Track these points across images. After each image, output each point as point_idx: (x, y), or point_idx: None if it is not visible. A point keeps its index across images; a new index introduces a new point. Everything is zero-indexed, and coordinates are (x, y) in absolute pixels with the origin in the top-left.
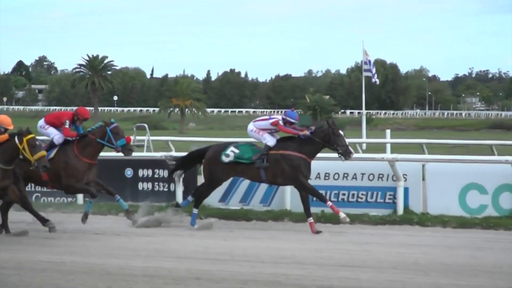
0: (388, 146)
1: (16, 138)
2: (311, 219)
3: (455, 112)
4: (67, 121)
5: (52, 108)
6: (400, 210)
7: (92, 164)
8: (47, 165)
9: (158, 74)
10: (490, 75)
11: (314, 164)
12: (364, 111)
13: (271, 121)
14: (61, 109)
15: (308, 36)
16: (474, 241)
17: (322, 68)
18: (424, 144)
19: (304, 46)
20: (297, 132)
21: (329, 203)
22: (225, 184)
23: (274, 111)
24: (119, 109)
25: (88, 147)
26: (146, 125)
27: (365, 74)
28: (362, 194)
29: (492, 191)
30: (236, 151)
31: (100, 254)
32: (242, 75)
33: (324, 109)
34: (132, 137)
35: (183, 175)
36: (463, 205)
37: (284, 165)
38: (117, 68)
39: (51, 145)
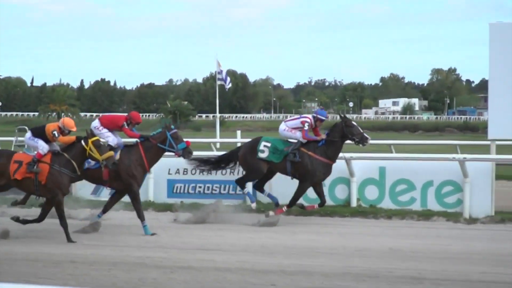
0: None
1: (82, 142)
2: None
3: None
4: (125, 123)
5: None
6: (248, 200)
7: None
8: (116, 161)
9: (37, 83)
10: (327, 83)
11: (177, 161)
12: (217, 115)
13: (301, 119)
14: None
15: (169, 49)
16: (313, 227)
17: (181, 77)
18: None
19: (165, 58)
20: (316, 139)
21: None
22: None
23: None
24: (3, 113)
25: (149, 151)
26: (26, 127)
27: (218, 82)
28: (216, 187)
29: (328, 183)
30: (268, 144)
31: None
32: (112, 83)
33: (183, 113)
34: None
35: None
36: (303, 196)
37: (308, 166)
38: (1, 77)
39: (111, 148)
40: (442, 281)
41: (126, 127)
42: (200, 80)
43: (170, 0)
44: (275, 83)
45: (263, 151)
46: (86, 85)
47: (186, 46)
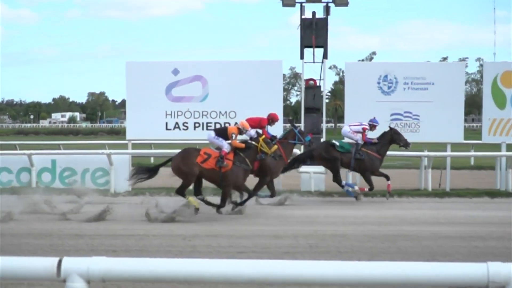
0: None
1: (253, 141)
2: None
3: None
4: (267, 126)
5: None
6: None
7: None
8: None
9: None
10: (15, 102)
11: None
12: None
13: (362, 126)
14: None
15: None
16: None
17: None
18: None
19: None
20: (372, 141)
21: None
22: None
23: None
24: None
25: (286, 149)
26: None
27: None
28: None
29: (15, 172)
30: (338, 144)
31: None
32: None
33: None
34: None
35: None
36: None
37: (367, 161)
38: None
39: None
40: (146, 236)
41: (266, 129)
42: None
43: None
44: None
45: (338, 146)
46: None
47: None
